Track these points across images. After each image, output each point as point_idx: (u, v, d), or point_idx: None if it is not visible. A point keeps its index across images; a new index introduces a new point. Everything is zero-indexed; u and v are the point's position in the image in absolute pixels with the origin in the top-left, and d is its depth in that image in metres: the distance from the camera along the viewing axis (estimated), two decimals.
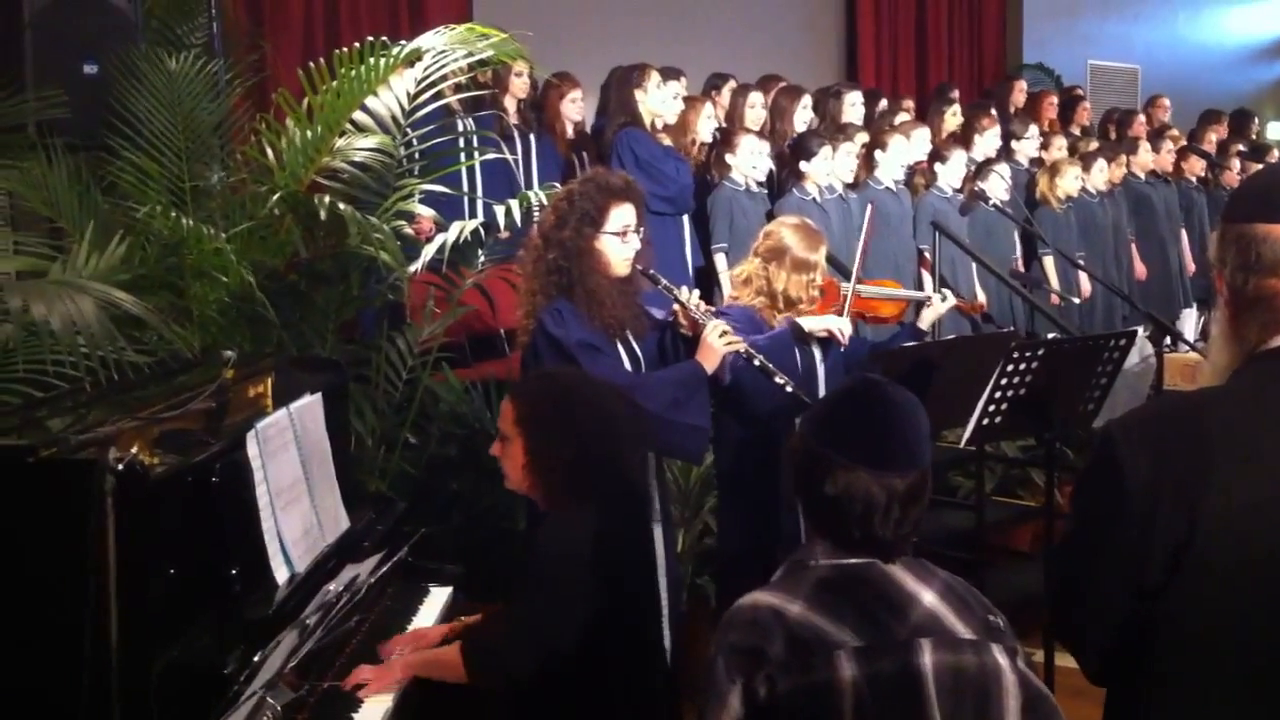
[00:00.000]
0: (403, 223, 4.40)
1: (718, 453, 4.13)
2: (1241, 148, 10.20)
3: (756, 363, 3.66)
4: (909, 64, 11.23)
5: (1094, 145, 8.87)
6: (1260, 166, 7.55)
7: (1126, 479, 1.84)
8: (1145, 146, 9.08)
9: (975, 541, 4.78)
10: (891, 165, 6.99)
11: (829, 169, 6.54)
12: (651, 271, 3.72)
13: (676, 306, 3.75)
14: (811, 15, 10.76)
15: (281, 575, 2.78)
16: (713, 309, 3.86)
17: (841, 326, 4.05)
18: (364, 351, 4.78)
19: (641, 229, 3.69)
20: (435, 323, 4.76)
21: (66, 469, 2.34)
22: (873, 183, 6.97)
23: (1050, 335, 5.53)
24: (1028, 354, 3.93)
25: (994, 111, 8.57)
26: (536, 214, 4.28)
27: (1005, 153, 8.11)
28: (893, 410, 2.12)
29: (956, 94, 9.14)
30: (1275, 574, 1.80)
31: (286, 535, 2.82)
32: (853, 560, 2.09)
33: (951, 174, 7.25)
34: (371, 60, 4.20)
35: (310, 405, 3.11)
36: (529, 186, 5.78)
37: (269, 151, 4.22)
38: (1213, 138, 10.39)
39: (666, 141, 6.67)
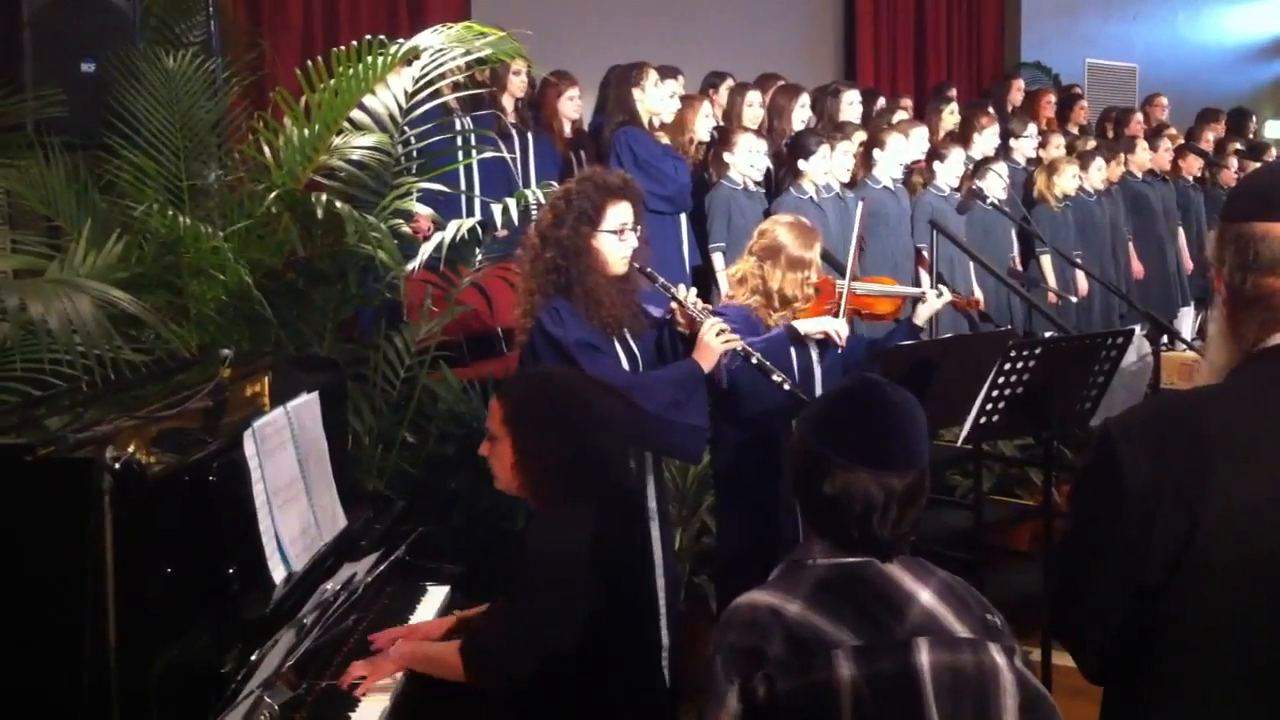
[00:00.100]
0: (400, 221, 4.40)
1: (715, 453, 4.13)
2: (1239, 146, 10.20)
3: (754, 360, 3.66)
4: (907, 63, 11.23)
5: (1092, 144, 8.87)
6: (1258, 165, 7.55)
7: (1126, 478, 1.84)
8: (1143, 145, 9.08)
9: (973, 541, 4.78)
10: (890, 164, 6.99)
11: (827, 168, 6.54)
12: (649, 270, 3.72)
13: (674, 305, 3.75)
14: (810, 14, 10.76)
15: (279, 574, 2.78)
16: (710, 307, 3.85)
17: (838, 328, 4.04)
18: (362, 350, 4.77)
19: (639, 227, 3.69)
20: (433, 321, 4.75)
21: (64, 468, 2.34)
22: (870, 181, 6.97)
23: (1048, 334, 5.53)
24: (1025, 353, 3.93)
25: (992, 110, 8.58)
26: (534, 212, 4.28)
27: (1003, 151, 8.11)
28: (891, 410, 2.12)
29: (954, 93, 9.15)
30: (1275, 574, 1.80)
31: (284, 534, 2.82)
32: (851, 560, 2.09)
33: (949, 173, 7.25)
34: (369, 59, 4.20)
35: (308, 404, 3.11)
36: (527, 185, 5.78)
37: (267, 150, 4.22)
38: (1210, 137, 10.40)
39: (664, 140, 6.67)
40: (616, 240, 3.62)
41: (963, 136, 8.06)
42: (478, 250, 4.87)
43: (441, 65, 4.34)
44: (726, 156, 6.49)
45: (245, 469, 2.72)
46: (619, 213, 3.62)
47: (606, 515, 2.92)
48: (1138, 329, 5.12)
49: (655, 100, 6.68)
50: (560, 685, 2.83)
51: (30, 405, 3.09)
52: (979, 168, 7.27)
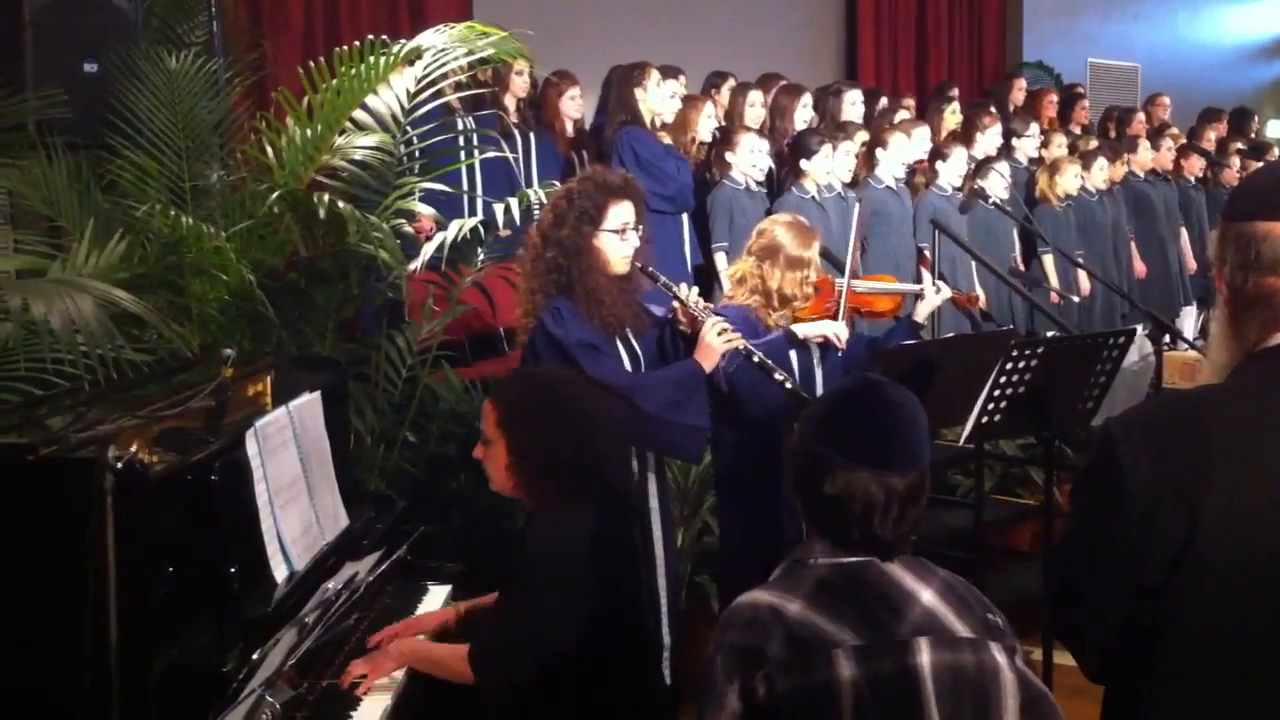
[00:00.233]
0: (402, 221, 4.40)
1: (716, 454, 4.13)
2: (1241, 146, 10.20)
3: (756, 359, 3.66)
4: (909, 62, 11.23)
5: (1094, 144, 8.86)
6: (1260, 165, 7.55)
7: (1127, 478, 1.83)
8: (1145, 145, 9.08)
9: (974, 540, 4.77)
10: (892, 164, 6.99)
11: (829, 167, 6.54)
12: (650, 269, 3.72)
13: (675, 304, 3.74)
14: (812, 13, 10.76)
15: (280, 573, 2.78)
16: (711, 306, 3.85)
17: (837, 331, 4.04)
18: (363, 350, 4.78)
19: (640, 227, 3.69)
20: (435, 321, 4.75)
21: (66, 467, 2.34)
22: (873, 181, 6.97)
23: (1049, 334, 5.54)
24: (1027, 352, 3.93)
25: (994, 110, 8.57)
26: (536, 212, 4.28)
27: (1005, 151, 8.11)
28: (892, 410, 2.12)
29: (956, 92, 9.14)
30: (1275, 574, 1.79)
31: (285, 533, 2.82)
32: (852, 559, 2.09)
33: (951, 172, 7.25)
34: (371, 59, 4.20)
35: (309, 404, 3.11)
36: (529, 185, 5.79)
37: (269, 150, 4.22)
38: (1212, 136, 10.40)
39: (666, 140, 6.67)
40: (618, 240, 3.62)
41: (965, 136, 8.06)
42: (479, 250, 4.87)
43: (444, 65, 4.34)
44: (728, 156, 6.49)
45: (247, 468, 2.72)
46: (620, 212, 3.62)
47: (605, 515, 2.92)
48: (1139, 329, 5.13)
49: (657, 100, 6.69)
50: (561, 685, 2.83)
51: (32, 405, 3.09)
52: (981, 167, 7.27)
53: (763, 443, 3.89)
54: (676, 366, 3.69)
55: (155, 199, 4.03)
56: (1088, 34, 12.73)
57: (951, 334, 5.57)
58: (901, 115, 8.21)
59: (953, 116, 8.56)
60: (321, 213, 4.05)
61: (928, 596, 2.07)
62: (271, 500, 2.78)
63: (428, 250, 4.51)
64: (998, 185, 6.95)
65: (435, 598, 3.48)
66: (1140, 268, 8.64)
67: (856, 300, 4.36)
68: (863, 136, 7.26)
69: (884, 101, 8.79)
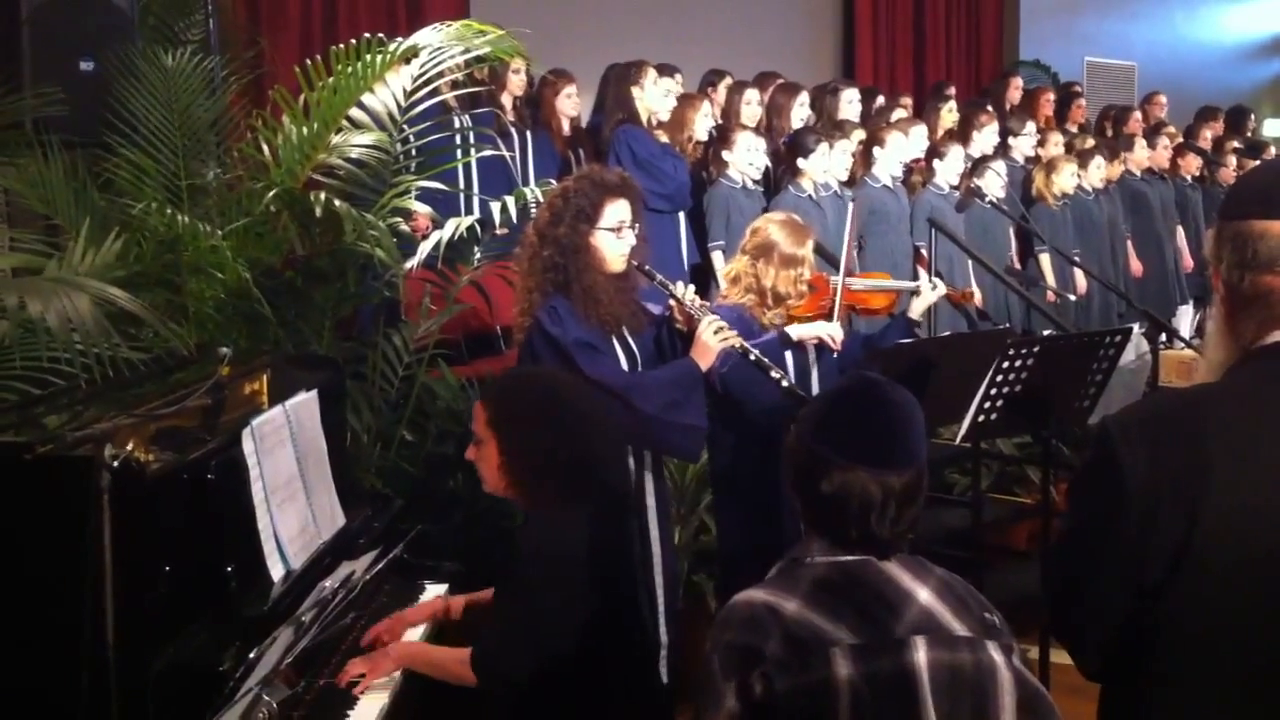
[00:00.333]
0: (399, 219, 4.39)
1: (713, 453, 4.13)
2: (1238, 144, 10.20)
3: (752, 357, 3.66)
4: (906, 61, 11.24)
5: (1090, 142, 8.87)
6: (1256, 163, 7.55)
7: (1125, 477, 1.83)
8: (1141, 144, 9.08)
9: (971, 539, 4.78)
10: (889, 162, 6.99)
11: (826, 166, 6.54)
12: (646, 267, 3.72)
13: (672, 302, 3.74)
14: (809, 12, 10.76)
15: (277, 572, 2.78)
16: (708, 305, 3.85)
17: (832, 333, 4.04)
18: (360, 348, 4.77)
19: (637, 225, 3.68)
20: (432, 320, 4.75)
21: (62, 466, 2.34)
22: (870, 180, 6.97)
23: (1046, 332, 5.53)
24: (1024, 351, 3.93)
25: (991, 109, 8.57)
26: (533, 211, 4.28)
27: (1002, 150, 8.11)
28: (889, 409, 2.12)
29: (953, 91, 9.14)
30: (1274, 573, 1.79)
31: (282, 532, 2.82)
32: (849, 558, 2.09)
33: (948, 171, 7.25)
34: (368, 57, 4.20)
35: (306, 402, 3.11)
36: (525, 183, 5.78)
37: (265, 148, 4.22)
38: (1209, 135, 10.41)
39: (663, 139, 6.67)
40: (614, 238, 3.62)
41: (961, 135, 8.06)
42: (476, 249, 4.87)
43: (440, 63, 4.34)
44: (725, 155, 6.48)
45: (244, 467, 2.72)
46: (617, 210, 3.62)
47: (602, 515, 2.92)
48: (1136, 327, 5.13)
49: (654, 99, 6.68)
50: (559, 684, 2.83)
51: (29, 403, 3.09)
52: (978, 166, 7.27)
53: (760, 442, 3.89)
54: (673, 366, 3.69)
55: (152, 197, 4.03)
56: (1085, 33, 12.75)
57: (948, 333, 5.57)
58: (899, 114, 8.21)
59: (950, 115, 8.56)
60: (318, 211, 4.05)
61: (925, 595, 2.07)
62: (268, 499, 2.78)
63: (424, 249, 4.51)
64: (994, 184, 6.95)
65: (432, 596, 3.48)
66: (1137, 266, 8.65)
67: (851, 298, 4.36)
68: (860, 135, 7.25)
69: (881, 100, 8.79)
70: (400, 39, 4.35)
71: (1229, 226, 1.92)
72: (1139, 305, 5.98)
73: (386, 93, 4.32)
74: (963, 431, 4.04)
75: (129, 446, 2.34)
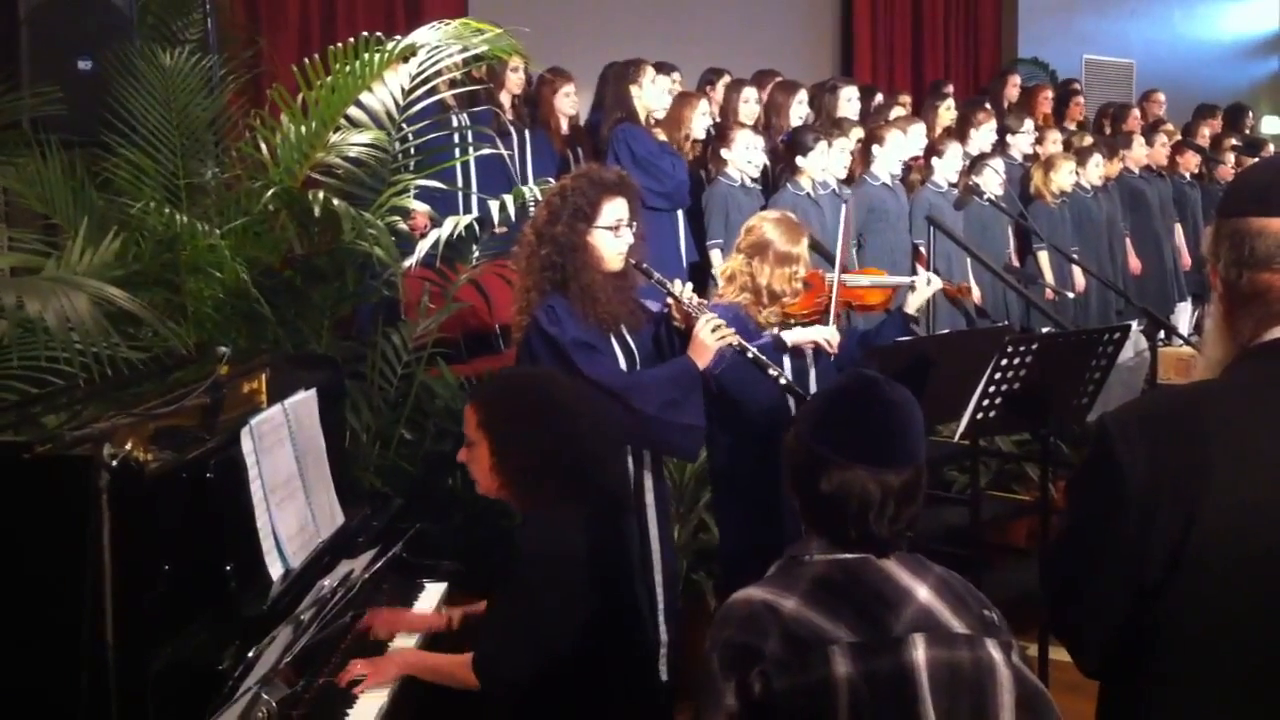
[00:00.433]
0: (397, 218, 4.39)
1: (712, 452, 4.13)
2: (1236, 142, 10.21)
3: (750, 355, 3.66)
4: (905, 59, 11.23)
5: (1089, 140, 8.87)
6: (1254, 160, 7.56)
7: (1124, 475, 1.83)
8: (1140, 141, 9.08)
9: (970, 537, 4.78)
10: (888, 160, 6.99)
11: (824, 164, 6.53)
12: (645, 265, 3.71)
13: (670, 301, 3.74)
14: (807, 10, 10.76)
15: (276, 571, 2.78)
16: (705, 303, 3.85)
17: (828, 336, 4.04)
18: (359, 347, 4.78)
19: (635, 223, 3.68)
20: (430, 318, 4.76)
21: (61, 465, 2.34)
22: (869, 178, 6.97)
23: (1045, 330, 5.54)
24: (1022, 349, 3.93)
25: (989, 106, 8.57)
26: (531, 209, 4.28)
27: (1000, 148, 8.11)
28: (888, 407, 2.12)
29: (951, 89, 9.14)
30: (1273, 572, 1.79)
31: (281, 531, 2.82)
32: (848, 556, 2.09)
33: (947, 169, 7.25)
34: (366, 55, 4.20)
35: (305, 401, 3.11)
36: (524, 182, 5.78)
37: (264, 147, 4.22)
38: (1207, 132, 10.41)
39: (662, 137, 6.66)
40: (612, 236, 3.62)
41: (960, 133, 8.05)
42: (475, 247, 4.87)
43: (438, 62, 4.34)
44: (724, 153, 6.48)
45: (242, 466, 2.72)
46: (614, 208, 3.62)
47: (599, 514, 2.92)
48: (1135, 324, 5.13)
49: (652, 97, 6.68)
50: (559, 684, 2.83)
51: (28, 403, 3.09)
52: (976, 164, 7.27)
53: (758, 440, 3.89)
54: (671, 365, 3.68)
55: (150, 196, 4.03)
56: (1083, 31, 12.75)
57: (947, 330, 5.57)
58: (897, 112, 8.21)
59: (948, 113, 8.56)
60: (316, 210, 4.05)
61: (924, 593, 2.07)
62: (267, 498, 2.78)
63: (423, 247, 4.51)
64: (993, 182, 6.95)
65: (431, 595, 3.48)
66: (1135, 264, 8.65)
67: (847, 295, 4.36)
68: (858, 133, 7.25)
69: (880, 98, 8.78)
70: (398, 38, 4.34)
71: (1227, 224, 1.92)
72: (1137, 303, 5.98)
73: (385, 91, 4.32)
74: (961, 429, 4.04)
75: (128, 446, 2.34)
